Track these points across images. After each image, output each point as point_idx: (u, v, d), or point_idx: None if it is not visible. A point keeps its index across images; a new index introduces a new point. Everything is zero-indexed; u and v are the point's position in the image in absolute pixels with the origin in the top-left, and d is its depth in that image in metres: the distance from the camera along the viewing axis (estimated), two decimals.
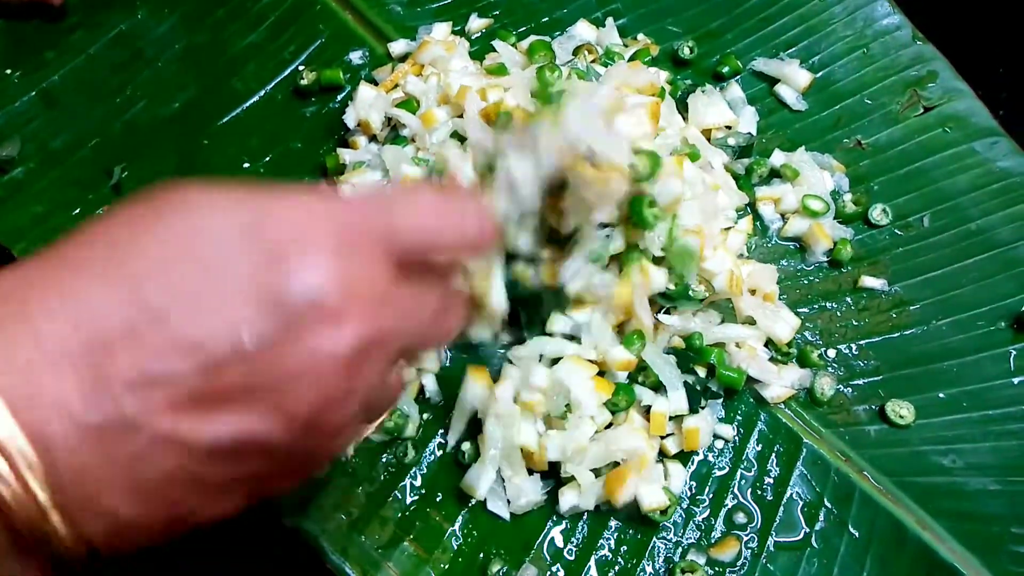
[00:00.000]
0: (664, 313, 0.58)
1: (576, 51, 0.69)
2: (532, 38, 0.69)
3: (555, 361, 0.56)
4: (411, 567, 0.54)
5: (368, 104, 0.65)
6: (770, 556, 0.56)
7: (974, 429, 0.60)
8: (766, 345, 0.61)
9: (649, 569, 0.55)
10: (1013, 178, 0.67)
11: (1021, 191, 0.66)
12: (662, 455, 0.58)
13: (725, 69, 0.71)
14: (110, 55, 0.70)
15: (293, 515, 0.54)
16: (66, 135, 0.66)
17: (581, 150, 0.49)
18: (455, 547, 0.55)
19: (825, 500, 0.58)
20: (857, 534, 0.57)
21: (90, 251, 0.27)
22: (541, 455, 0.54)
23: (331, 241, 0.28)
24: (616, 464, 0.56)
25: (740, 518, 0.57)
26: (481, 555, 0.55)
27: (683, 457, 0.58)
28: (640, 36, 0.73)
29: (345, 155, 0.64)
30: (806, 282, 0.65)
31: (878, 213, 0.66)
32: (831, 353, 0.62)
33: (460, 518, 0.56)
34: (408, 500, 0.56)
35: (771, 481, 0.58)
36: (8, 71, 0.68)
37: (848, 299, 0.64)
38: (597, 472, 0.55)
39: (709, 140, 0.66)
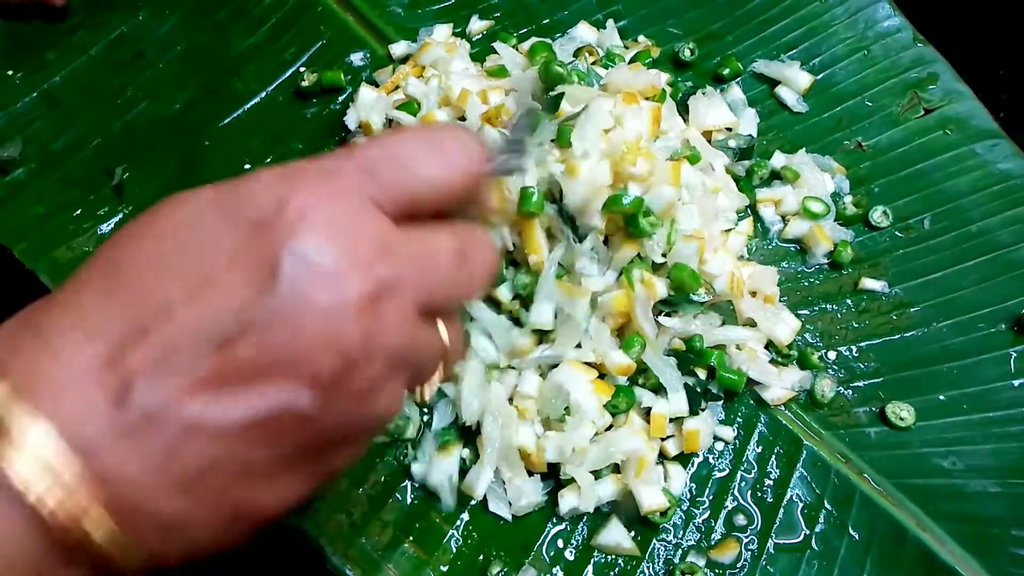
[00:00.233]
0: (664, 316, 0.58)
1: (577, 53, 0.69)
2: (533, 40, 0.69)
3: (555, 365, 0.56)
4: (411, 568, 0.54)
5: (369, 106, 0.65)
6: (770, 558, 0.56)
7: (974, 431, 0.60)
8: (767, 347, 0.61)
9: (649, 571, 0.55)
10: (1013, 180, 0.67)
11: (1021, 193, 0.66)
12: (662, 457, 0.58)
13: (726, 71, 0.71)
14: (111, 56, 0.70)
15: (294, 516, 0.54)
16: (67, 136, 0.67)
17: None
18: (455, 549, 0.55)
19: (825, 502, 0.58)
20: (857, 536, 0.57)
21: (93, 269, 0.28)
22: (539, 456, 0.54)
23: (312, 200, 0.28)
24: (616, 466, 0.56)
25: (740, 520, 0.57)
26: (481, 556, 0.55)
27: (683, 459, 0.58)
28: (641, 38, 0.73)
29: None
30: (806, 284, 0.65)
31: (879, 215, 0.67)
32: (831, 355, 0.62)
33: (460, 520, 0.56)
34: (408, 502, 0.56)
35: (771, 483, 0.58)
36: (9, 72, 0.68)
37: (848, 301, 0.64)
38: (597, 474, 0.55)
39: (709, 142, 0.66)
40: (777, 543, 0.56)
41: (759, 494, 0.58)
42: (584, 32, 0.72)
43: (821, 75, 0.71)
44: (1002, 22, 0.89)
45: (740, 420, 0.60)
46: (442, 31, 0.71)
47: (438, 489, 0.56)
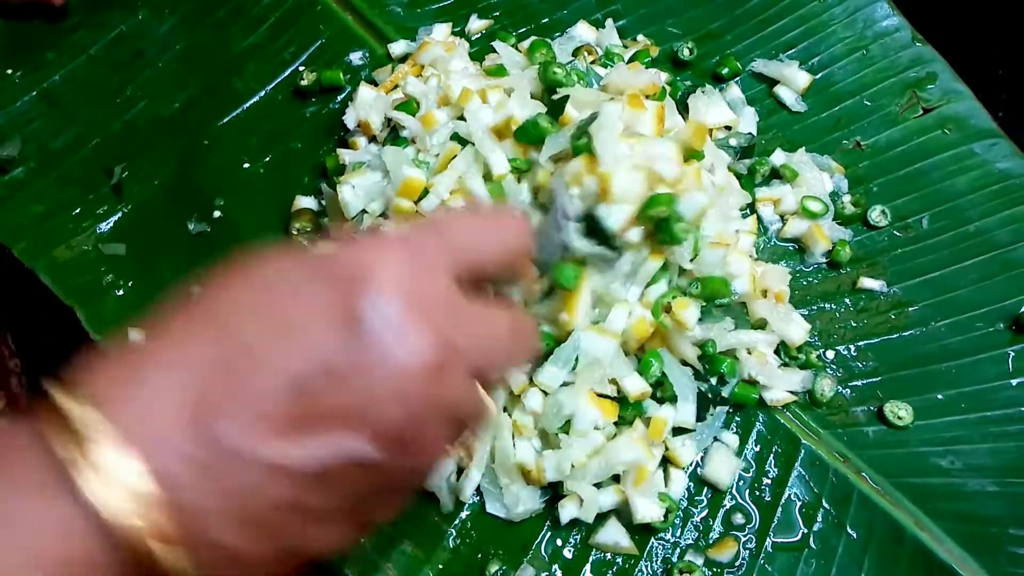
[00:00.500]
0: None
1: (576, 52, 0.69)
2: (532, 39, 0.69)
3: None
4: (410, 567, 0.54)
5: (368, 105, 0.65)
6: (768, 557, 0.56)
7: (972, 430, 0.60)
8: (776, 352, 0.61)
9: (647, 570, 0.55)
10: (1012, 180, 0.67)
11: (1020, 193, 0.66)
12: (666, 460, 0.57)
13: (725, 70, 0.71)
14: (111, 55, 0.70)
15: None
16: (66, 135, 0.67)
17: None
18: (453, 548, 0.55)
19: (823, 501, 0.58)
20: (855, 535, 0.57)
21: (186, 311, 0.30)
22: (539, 475, 0.54)
23: (397, 266, 0.30)
24: (617, 477, 0.55)
25: (738, 519, 0.57)
26: (479, 556, 0.55)
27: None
28: (640, 37, 0.73)
29: (345, 156, 0.64)
30: (805, 283, 0.65)
31: (877, 214, 0.67)
32: (830, 354, 0.62)
33: (458, 519, 0.56)
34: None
35: (769, 482, 0.58)
36: (9, 71, 0.68)
37: (847, 300, 0.64)
38: (597, 485, 0.55)
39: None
40: (775, 542, 0.56)
41: (757, 493, 0.58)
42: (583, 31, 0.72)
43: (820, 74, 0.72)
44: (1001, 22, 0.89)
45: (738, 419, 0.60)
46: (441, 30, 0.71)
47: (436, 490, 0.56)
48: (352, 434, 0.29)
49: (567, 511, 0.55)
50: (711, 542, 0.56)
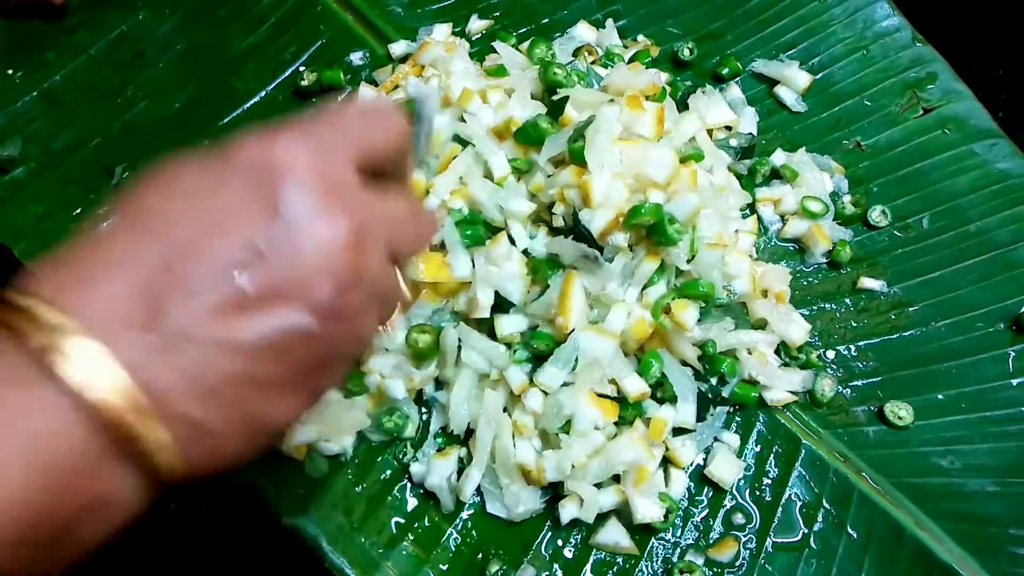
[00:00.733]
0: None
1: (576, 52, 0.69)
2: (533, 38, 0.69)
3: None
4: (410, 567, 0.54)
5: None
6: (768, 557, 0.56)
7: (972, 430, 0.60)
8: (776, 352, 0.61)
9: (647, 569, 0.55)
10: (1012, 180, 0.67)
11: (1020, 192, 0.66)
12: (666, 460, 0.58)
13: (725, 71, 0.71)
14: (111, 55, 0.70)
15: (293, 515, 0.54)
16: (67, 135, 0.67)
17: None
18: (454, 547, 0.55)
19: (824, 501, 0.58)
20: (855, 535, 0.57)
21: (116, 220, 0.33)
22: (539, 475, 0.54)
23: (305, 157, 0.33)
24: (617, 477, 0.55)
25: (738, 519, 0.57)
26: (480, 555, 0.55)
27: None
28: (640, 37, 0.73)
29: None
30: (805, 283, 0.65)
31: (877, 214, 0.67)
32: (830, 354, 0.62)
33: (459, 519, 0.56)
34: (407, 500, 0.56)
35: (769, 482, 0.58)
36: (9, 71, 0.68)
37: (847, 300, 0.64)
38: (598, 485, 0.55)
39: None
40: (775, 542, 0.57)
41: (757, 493, 0.58)
42: (583, 31, 0.72)
43: (820, 75, 0.72)
44: (1001, 22, 0.89)
45: (739, 419, 0.60)
46: (441, 30, 0.71)
47: (437, 491, 0.56)
48: (290, 308, 0.31)
49: (567, 511, 0.55)
50: (711, 542, 0.56)
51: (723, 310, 0.58)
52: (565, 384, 0.55)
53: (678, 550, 0.56)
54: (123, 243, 0.32)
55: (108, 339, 0.29)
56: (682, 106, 0.67)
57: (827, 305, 0.64)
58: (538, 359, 0.56)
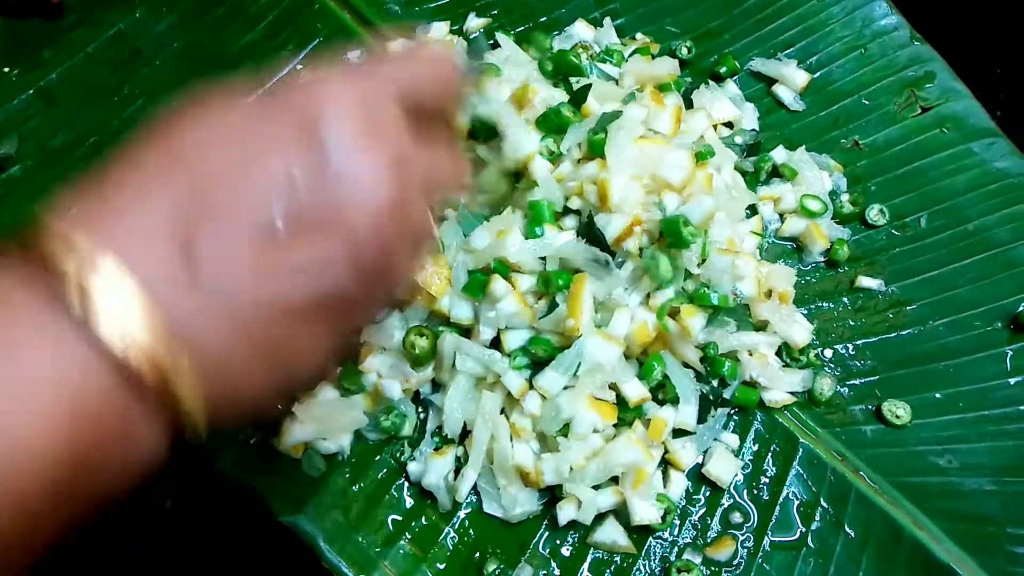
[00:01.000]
0: None
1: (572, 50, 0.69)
2: (522, 53, 0.69)
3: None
4: (408, 566, 0.54)
5: None
6: (766, 556, 0.56)
7: (970, 429, 0.60)
8: (777, 353, 0.61)
9: (645, 568, 0.55)
10: (1010, 179, 0.67)
11: (1018, 191, 0.66)
12: (666, 462, 0.57)
13: (723, 69, 0.71)
14: (108, 53, 0.70)
15: (289, 514, 0.54)
16: (64, 133, 0.66)
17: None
18: (451, 546, 0.55)
19: (821, 500, 0.58)
20: (853, 534, 0.57)
21: (144, 150, 0.31)
22: (537, 477, 0.54)
23: (348, 95, 0.33)
24: (616, 478, 0.55)
25: (736, 518, 0.57)
26: (477, 554, 0.55)
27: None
28: (638, 36, 0.73)
29: None
30: (803, 282, 0.65)
31: (875, 213, 0.67)
32: (828, 353, 0.62)
33: (456, 518, 0.56)
34: (405, 499, 0.56)
35: (767, 481, 0.58)
36: (6, 69, 0.68)
37: (845, 299, 0.64)
38: (596, 486, 0.55)
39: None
40: (773, 541, 0.56)
41: (755, 492, 0.58)
42: (581, 30, 0.72)
43: (818, 73, 0.72)
44: (999, 21, 0.89)
45: (736, 418, 0.60)
46: (439, 28, 0.71)
47: (434, 490, 0.56)
48: (325, 238, 0.31)
49: (565, 513, 0.54)
50: (709, 541, 0.56)
51: (726, 312, 0.58)
52: (565, 388, 0.55)
53: (676, 549, 0.56)
54: (157, 174, 0.31)
55: (143, 276, 0.28)
56: (685, 102, 0.67)
57: (825, 304, 0.64)
58: (536, 364, 0.56)
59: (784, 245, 0.66)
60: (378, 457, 0.57)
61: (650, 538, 0.56)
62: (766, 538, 0.56)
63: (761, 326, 0.60)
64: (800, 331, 0.60)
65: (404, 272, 0.35)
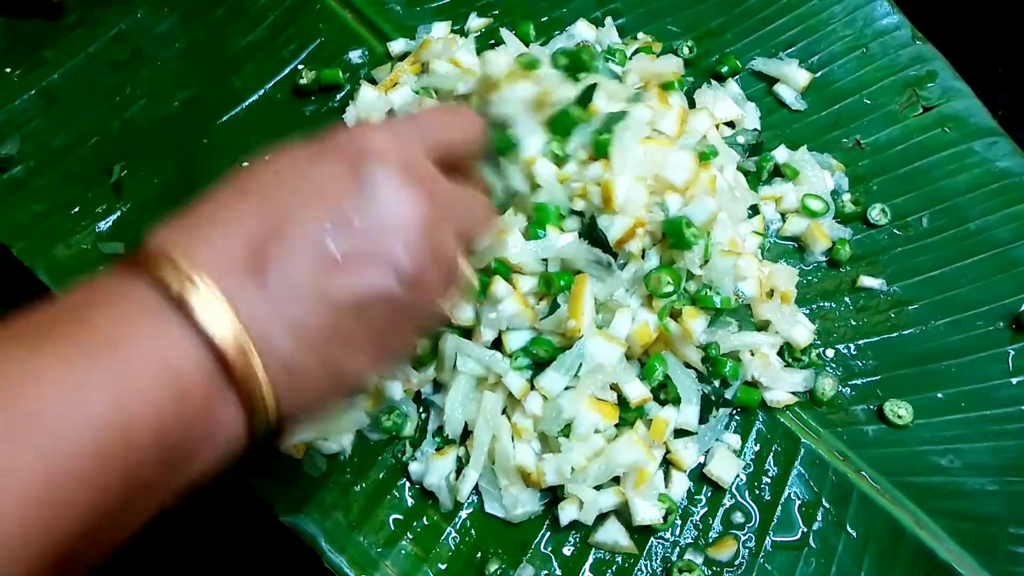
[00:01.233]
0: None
1: None
2: (526, 49, 0.68)
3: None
4: (409, 566, 0.54)
5: (369, 104, 0.65)
6: (768, 556, 0.56)
7: (972, 429, 0.60)
8: (779, 353, 0.61)
9: (646, 568, 0.55)
10: (1012, 178, 0.67)
11: (1020, 191, 0.66)
12: (667, 462, 0.57)
13: (724, 69, 0.71)
14: (109, 54, 0.70)
15: (291, 514, 0.54)
16: (65, 134, 0.66)
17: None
18: (453, 546, 0.55)
19: (823, 500, 0.58)
20: (855, 534, 0.57)
21: (224, 193, 0.37)
22: (539, 477, 0.54)
23: (387, 143, 0.38)
24: (617, 478, 0.55)
25: (738, 518, 0.57)
26: (479, 554, 0.55)
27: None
28: (640, 35, 0.73)
29: None
30: (804, 282, 0.65)
31: (877, 213, 0.67)
32: (829, 353, 0.62)
33: (458, 517, 0.56)
34: (406, 499, 0.56)
35: (769, 481, 0.58)
36: (7, 69, 0.68)
37: (847, 299, 0.64)
38: (597, 487, 0.55)
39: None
40: (775, 541, 0.56)
41: (757, 492, 0.58)
42: (583, 30, 0.72)
43: (819, 73, 0.71)
44: (1001, 20, 0.89)
45: (738, 419, 0.60)
46: (440, 28, 0.71)
47: (435, 490, 0.56)
48: (375, 271, 0.36)
49: (567, 513, 0.54)
50: (711, 541, 0.56)
51: (728, 312, 0.58)
52: (566, 388, 0.55)
53: (677, 549, 0.56)
54: (232, 206, 0.36)
55: (226, 288, 0.33)
56: (688, 102, 0.67)
57: (826, 304, 0.64)
58: (537, 365, 0.56)
59: (786, 245, 0.66)
60: (379, 457, 0.57)
61: (652, 538, 0.56)
62: (768, 538, 0.56)
63: (763, 326, 0.60)
64: (802, 331, 0.60)
65: (440, 301, 0.40)
